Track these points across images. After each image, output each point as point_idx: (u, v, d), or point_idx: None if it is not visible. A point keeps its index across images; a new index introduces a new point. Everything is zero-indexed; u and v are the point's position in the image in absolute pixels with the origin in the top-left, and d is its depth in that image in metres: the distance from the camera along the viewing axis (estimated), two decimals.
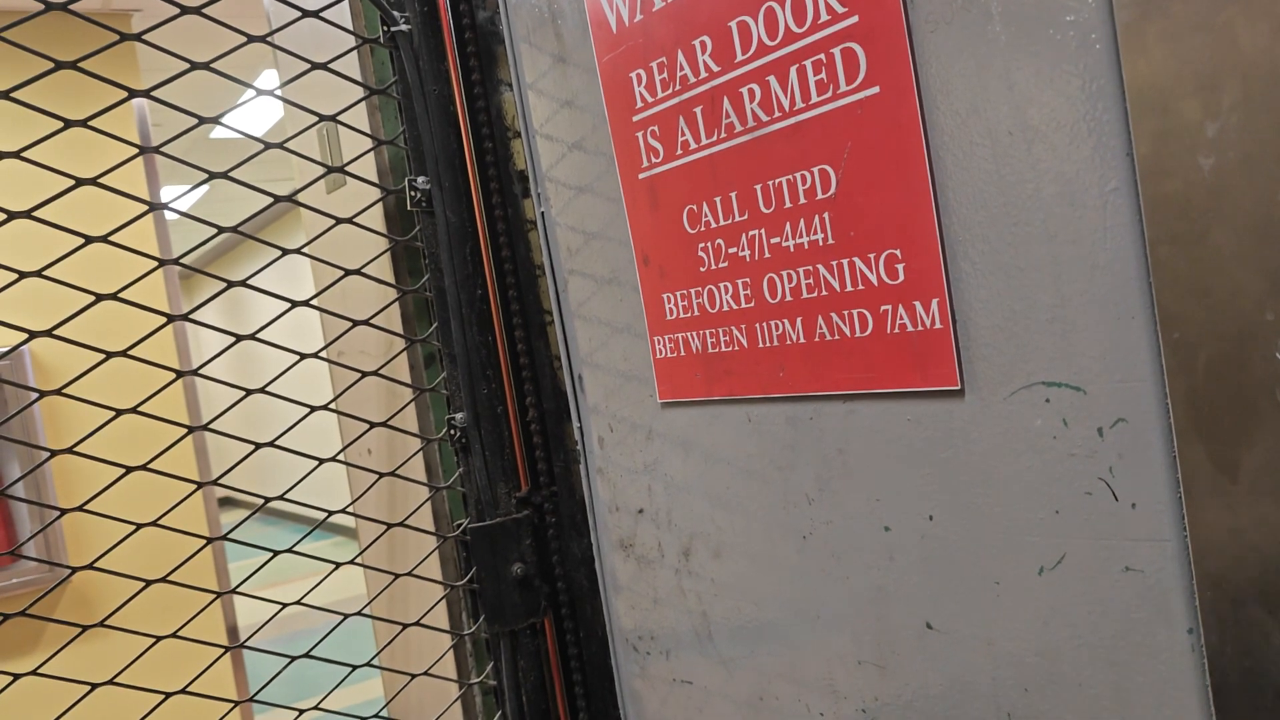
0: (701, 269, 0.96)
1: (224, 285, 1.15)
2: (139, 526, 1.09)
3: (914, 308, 0.76)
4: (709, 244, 0.94)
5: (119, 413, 1.05)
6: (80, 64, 1.01)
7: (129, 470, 1.07)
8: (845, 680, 0.89)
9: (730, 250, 0.92)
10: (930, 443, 0.77)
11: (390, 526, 1.29)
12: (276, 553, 1.18)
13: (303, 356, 1.21)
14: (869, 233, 0.79)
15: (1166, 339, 0.60)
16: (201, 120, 1.11)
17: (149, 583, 1.09)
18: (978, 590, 0.76)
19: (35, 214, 1.00)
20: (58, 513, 1.02)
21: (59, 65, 1.01)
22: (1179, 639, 0.63)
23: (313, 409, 1.23)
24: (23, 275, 1.01)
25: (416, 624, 1.29)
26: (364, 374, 1.37)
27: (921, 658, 0.81)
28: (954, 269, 0.73)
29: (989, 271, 0.70)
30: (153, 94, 1.08)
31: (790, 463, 0.91)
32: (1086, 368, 0.65)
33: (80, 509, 1.05)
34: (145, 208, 1.10)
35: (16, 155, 0.99)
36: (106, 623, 1.07)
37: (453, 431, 1.29)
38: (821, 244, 0.83)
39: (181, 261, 1.17)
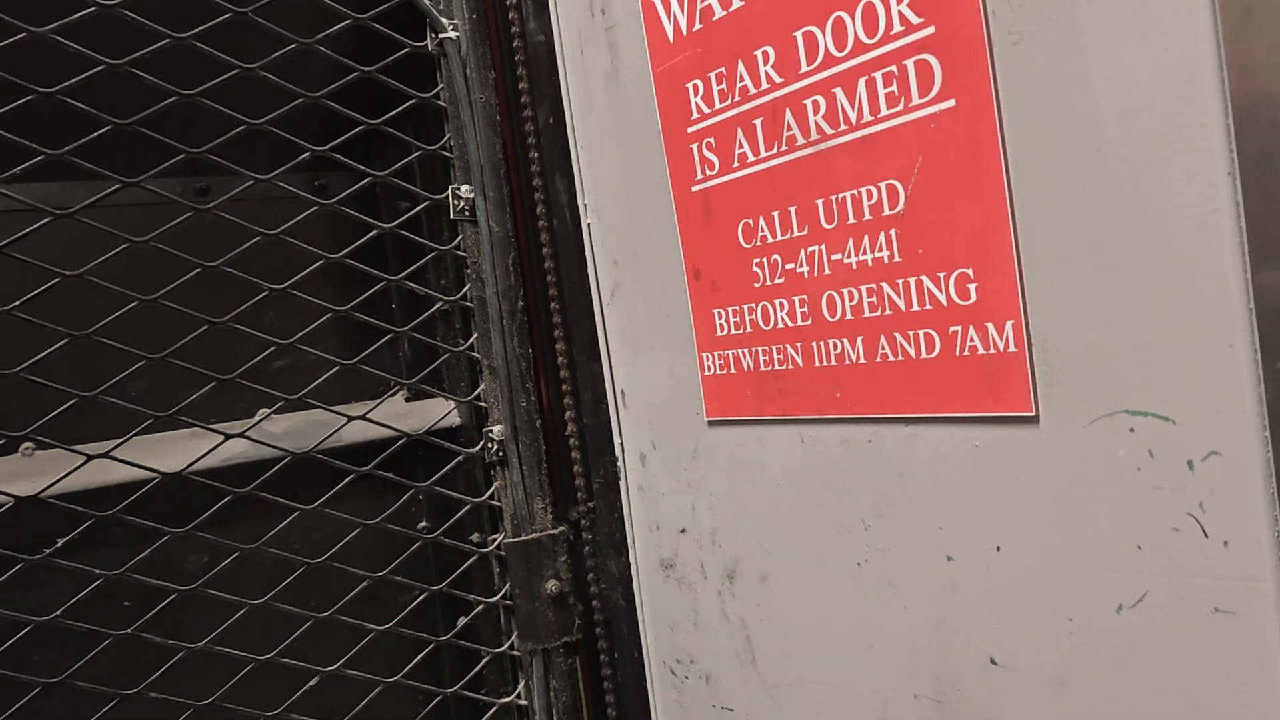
0: (756, 284, 0.93)
1: (264, 291, 1.13)
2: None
3: (986, 329, 0.73)
4: (765, 259, 0.92)
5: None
6: None
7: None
8: (899, 715, 0.86)
9: (787, 266, 0.90)
10: (1000, 470, 0.74)
11: (424, 540, 1.27)
12: (309, 564, 1.16)
13: (343, 364, 1.19)
14: (939, 251, 0.76)
15: (1268, 369, 0.57)
16: (248, 125, 1.10)
17: None
18: (1048, 626, 0.72)
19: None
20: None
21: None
22: (1274, 686, 0.60)
23: (351, 418, 1.21)
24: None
25: (448, 639, 1.26)
26: (403, 384, 1.35)
27: (984, 694, 0.78)
28: (1031, 290, 0.70)
29: (1070, 294, 0.67)
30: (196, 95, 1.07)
31: (845, 486, 0.88)
32: (1176, 397, 0.62)
33: None
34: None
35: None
36: None
37: (489, 445, 1.26)
38: (887, 261, 0.80)
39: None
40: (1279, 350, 0.57)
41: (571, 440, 1.25)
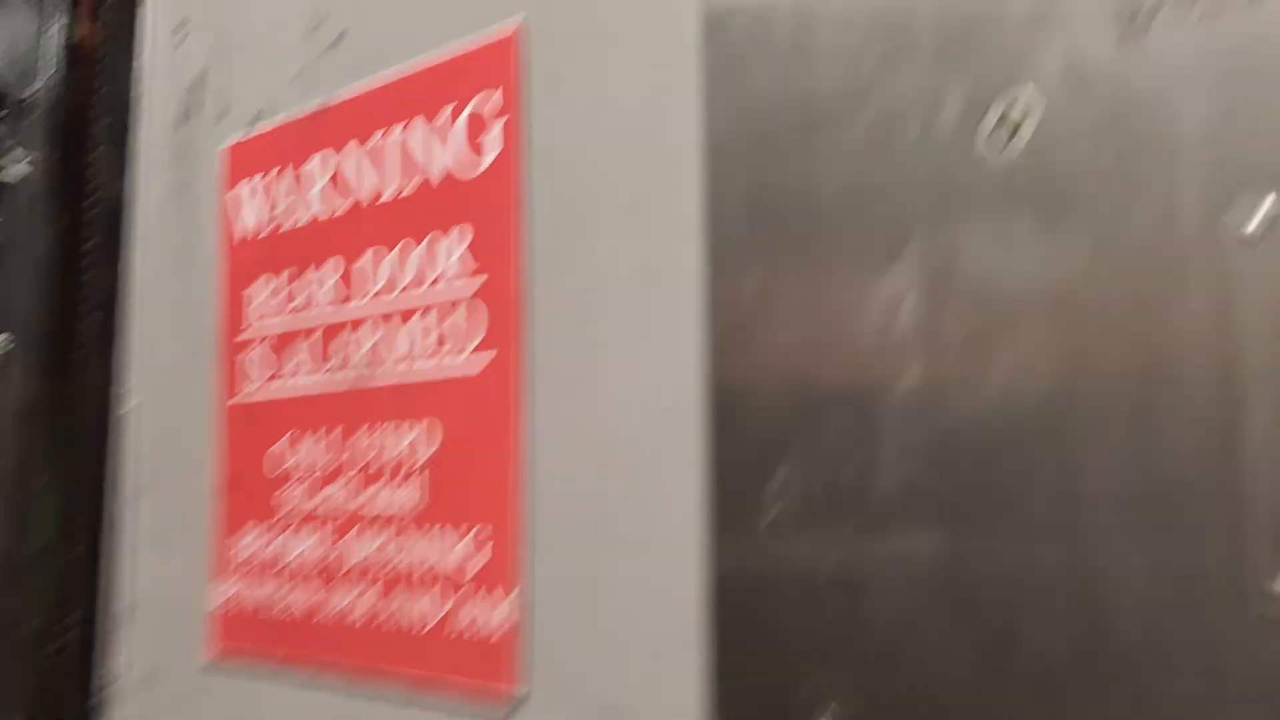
0: (282, 512, 0.84)
1: None
2: None
3: (489, 601, 0.69)
4: (294, 487, 0.83)
5: None
6: None
7: None
8: None
9: (314, 498, 0.82)
10: None
11: None
12: None
13: None
14: (460, 508, 0.72)
15: (716, 684, 0.56)
16: None
17: None
18: None
19: None
20: None
21: None
22: None
23: None
24: None
25: None
26: None
27: None
28: (532, 568, 0.67)
29: (566, 576, 0.64)
30: None
31: None
32: (640, 696, 0.60)
33: None
34: None
35: None
36: None
37: None
38: (411, 508, 0.75)
39: None
40: (727, 666, 0.56)
41: (59, 656, 1.05)
